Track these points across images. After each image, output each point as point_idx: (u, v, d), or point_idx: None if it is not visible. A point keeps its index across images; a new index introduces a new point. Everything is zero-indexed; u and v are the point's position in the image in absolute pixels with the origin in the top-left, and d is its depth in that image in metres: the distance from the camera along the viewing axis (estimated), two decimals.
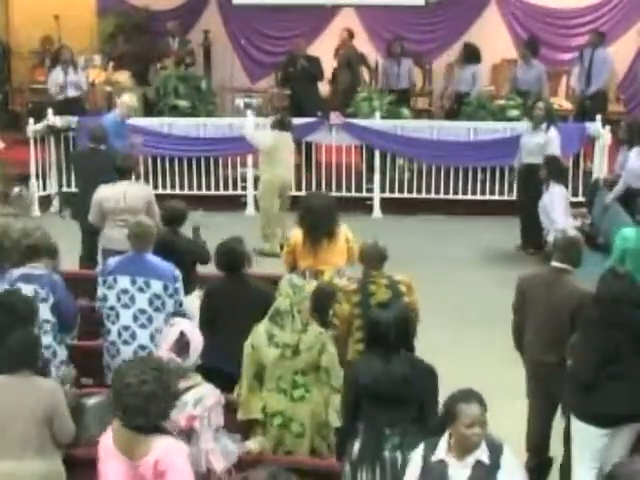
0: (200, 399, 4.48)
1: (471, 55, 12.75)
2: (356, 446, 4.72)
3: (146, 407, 3.74)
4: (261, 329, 5.22)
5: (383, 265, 5.92)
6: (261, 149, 10.25)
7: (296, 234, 6.96)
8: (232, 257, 6.08)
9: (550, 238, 8.36)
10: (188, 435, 4.45)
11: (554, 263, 5.79)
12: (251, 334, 5.24)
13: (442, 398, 4.60)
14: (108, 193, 7.81)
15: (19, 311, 5.23)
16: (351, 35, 13.72)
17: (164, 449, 3.80)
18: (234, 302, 5.92)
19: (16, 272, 5.89)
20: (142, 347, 6.00)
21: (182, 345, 4.54)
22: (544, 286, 5.73)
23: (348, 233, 7.00)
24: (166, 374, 3.85)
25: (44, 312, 5.73)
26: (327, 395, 5.18)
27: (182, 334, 4.58)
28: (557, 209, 8.19)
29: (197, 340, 4.65)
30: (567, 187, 9.01)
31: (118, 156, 8.26)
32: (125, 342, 6.04)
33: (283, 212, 10.09)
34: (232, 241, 6.17)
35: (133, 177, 8.26)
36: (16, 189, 7.47)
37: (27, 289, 5.72)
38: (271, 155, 10.04)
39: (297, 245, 6.90)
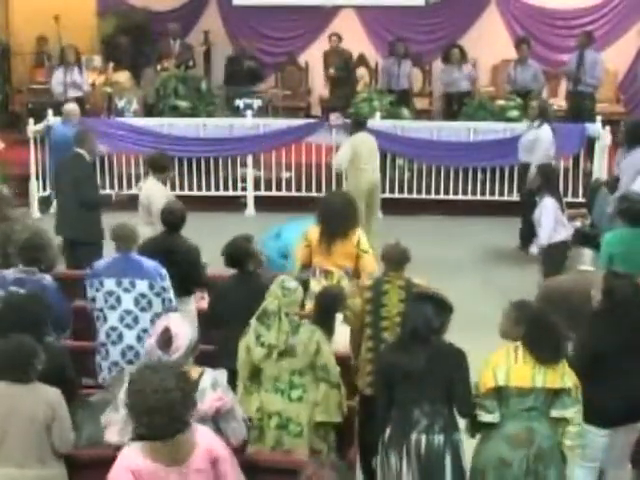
0: (216, 381, 4.50)
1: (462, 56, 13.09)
2: (387, 431, 4.84)
3: (175, 411, 3.65)
4: (251, 329, 5.19)
5: (403, 267, 5.83)
6: (344, 168, 10.09)
7: (313, 230, 6.93)
8: (235, 253, 6.05)
9: (532, 250, 8.20)
10: (214, 418, 4.45)
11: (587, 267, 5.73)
12: (244, 334, 5.20)
13: None
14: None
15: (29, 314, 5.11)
16: (340, 39, 13.96)
17: (205, 437, 3.82)
18: (242, 301, 5.84)
19: (9, 276, 5.86)
20: (129, 347, 5.95)
21: (165, 339, 4.46)
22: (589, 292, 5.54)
23: (362, 238, 6.86)
24: (178, 371, 3.81)
25: None
26: (326, 391, 5.17)
27: (167, 329, 4.50)
28: (543, 225, 8.06)
29: (183, 338, 4.52)
30: (560, 192, 8.85)
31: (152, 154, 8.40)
32: (113, 343, 6.00)
33: (371, 215, 9.87)
34: (240, 238, 6.16)
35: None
36: None
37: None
38: (353, 163, 9.88)
39: (313, 241, 6.87)
